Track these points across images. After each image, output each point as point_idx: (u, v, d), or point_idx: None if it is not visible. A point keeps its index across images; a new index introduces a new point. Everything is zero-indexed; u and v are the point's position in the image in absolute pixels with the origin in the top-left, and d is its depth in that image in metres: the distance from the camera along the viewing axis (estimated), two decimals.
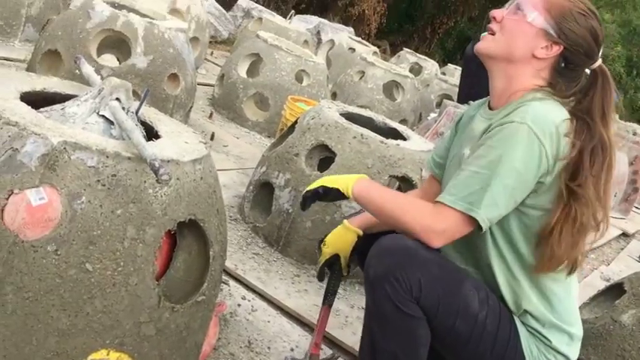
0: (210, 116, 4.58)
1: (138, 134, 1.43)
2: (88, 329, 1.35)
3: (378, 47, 10.42)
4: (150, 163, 1.32)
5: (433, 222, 1.46)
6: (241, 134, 4.52)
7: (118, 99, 1.58)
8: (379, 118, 3.11)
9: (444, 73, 8.30)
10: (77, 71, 1.89)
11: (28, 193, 1.27)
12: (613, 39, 20.28)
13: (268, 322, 2.17)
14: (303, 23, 8.96)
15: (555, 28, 1.50)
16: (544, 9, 1.51)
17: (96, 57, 3.25)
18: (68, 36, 3.20)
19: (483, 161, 1.43)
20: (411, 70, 7.85)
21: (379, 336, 1.52)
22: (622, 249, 4.94)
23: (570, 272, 1.54)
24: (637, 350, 2.01)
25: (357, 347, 1.66)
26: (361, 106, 5.32)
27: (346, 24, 11.36)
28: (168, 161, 1.43)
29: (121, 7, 3.51)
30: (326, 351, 2.13)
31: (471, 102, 1.84)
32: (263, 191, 2.88)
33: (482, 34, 1.62)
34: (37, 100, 1.60)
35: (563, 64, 1.54)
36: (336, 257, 1.83)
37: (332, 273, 1.88)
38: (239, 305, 2.19)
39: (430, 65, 8.41)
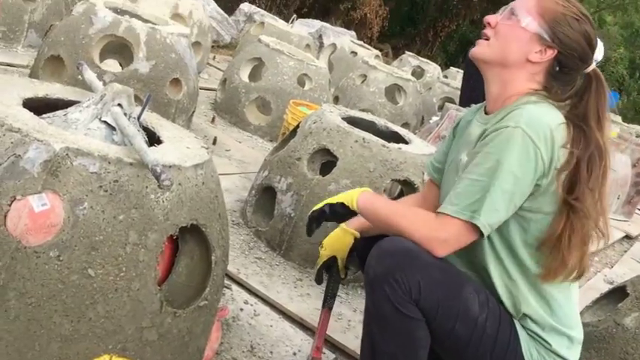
0: (213, 120, 4.59)
1: (140, 140, 1.44)
2: (90, 334, 1.35)
3: (380, 51, 10.44)
4: (151, 168, 1.33)
5: (437, 232, 1.46)
6: (243, 138, 4.53)
7: (120, 105, 1.59)
8: (381, 121, 3.11)
9: (446, 77, 8.31)
10: (80, 77, 1.90)
11: (30, 199, 1.28)
12: (615, 41, 20.27)
13: (271, 326, 2.18)
14: (305, 27, 8.98)
15: (549, 32, 1.51)
16: (537, 14, 1.53)
17: (98, 62, 3.27)
18: (71, 42, 3.22)
19: (481, 169, 1.45)
20: (413, 74, 7.86)
21: (379, 337, 1.53)
22: (625, 251, 4.94)
23: (576, 279, 1.55)
24: None
25: (359, 351, 1.66)
26: (363, 110, 5.33)
27: (348, 28, 11.38)
28: (170, 166, 1.44)
29: (123, 12, 3.53)
30: (328, 355, 2.13)
31: (473, 105, 1.85)
32: (265, 195, 2.88)
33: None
34: (39, 106, 1.61)
35: (557, 68, 1.55)
36: (333, 260, 1.84)
37: (330, 276, 1.89)
38: (241, 310, 2.20)
39: (432, 68, 8.41)
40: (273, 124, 4.68)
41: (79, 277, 1.32)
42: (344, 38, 8.54)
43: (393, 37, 14.74)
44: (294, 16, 8.55)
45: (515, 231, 1.51)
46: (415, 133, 5.06)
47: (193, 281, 1.59)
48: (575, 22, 1.52)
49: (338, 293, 2.50)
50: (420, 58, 8.88)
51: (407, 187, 2.70)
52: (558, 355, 1.54)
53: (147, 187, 1.39)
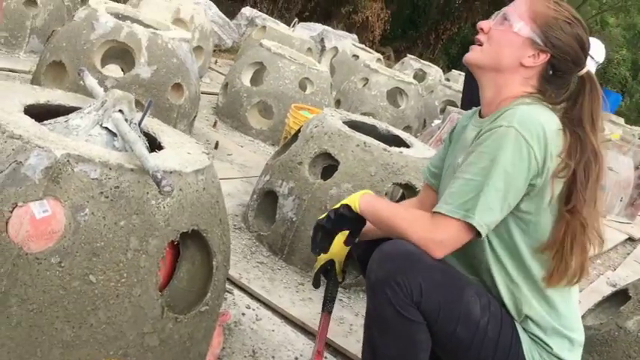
0: (215, 125, 4.60)
1: (140, 146, 1.44)
2: (92, 340, 1.35)
3: (382, 54, 10.46)
4: (152, 174, 1.33)
5: (433, 233, 1.47)
6: (245, 143, 4.53)
7: (121, 111, 1.60)
8: (382, 125, 3.11)
9: (448, 79, 8.31)
10: (81, 82, 1.91)
11: (31, 205, 1.29)
12: (618, 42, 20.26)
13: (273, 331, 2.18)
14: (306, 31, 8.99)
15: (542, 36, 1.53)
16: (530, 18, 1.54)
17: (100, 68, 3.27)
18: (72, 47, 3.23)
19: (475, 168, 1.46)
20: (415, 77, 7.86)
21: (379, 340, 1.53)
22: (628, 254, 4.92)
23: (577, 282, 1.56)
24: None
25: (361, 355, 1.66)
26: (365, 113, 5.34)
27: (350, 31, 11.40)
28: (171, 172, 1.44)
29: (124, 17, 3.54)
30: (330, 359, 2.13)
31: (475, 108, 1.86)
32: (267, 200, 2.88)
33: None
34: (41, 112, 1.62)
35: (551, 72, 1.56)
36: (331, 263, 1.84)
37: (329, 280, 1.89)
38: (243, 314, 2.20)
39: (434, 71, 8.42)
40: (275, 128, 4.68)
41: (80, 283, 1.32)
42: (346, 42, 8.55)
43: (395, 40, 14.76)
44: (296, 19, 8.56)
45: (515, 234, 1.52)
46: (417, 137, 5.07)
47: (194, 286, 1.59)
48: (567, 25, 1.54)
49: (340, 297, 2.51)
50: (421, 61, 8.90)
51: (408, 191, 2.70)
52: (560, 359, 1.54)
53: (148, 192, 1.40)
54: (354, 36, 10.29)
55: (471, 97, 4.84)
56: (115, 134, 1.57)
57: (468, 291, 1.51)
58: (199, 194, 1.53)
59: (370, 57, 7.69)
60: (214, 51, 6.87)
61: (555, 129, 1.48)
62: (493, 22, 1.60)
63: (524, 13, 1.54)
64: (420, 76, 8.23)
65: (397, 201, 2.86)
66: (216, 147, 4.03)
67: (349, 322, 2.40)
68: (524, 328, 1.55)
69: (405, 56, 9.24)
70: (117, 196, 1.36)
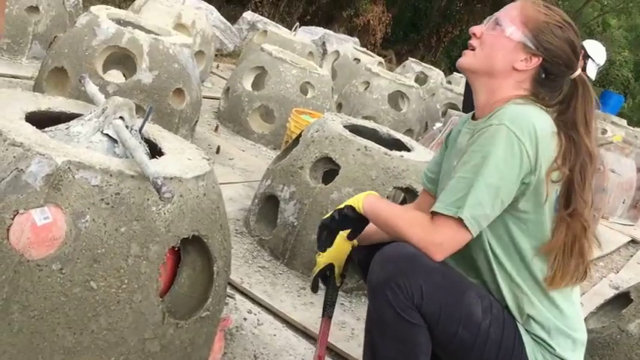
0: (216, 129, 4.61)
1: (141, 152, 1.45)
2: (93, 347, 1.36)
3: (384, 57, 10.47)
4: (152, 181, 1.34)
5: (432, 236, 1.48)
6: (247, 147, 4.54)
7: (121, 117, 1.61)
8: (383, 129, 3.12)
9: (449, 82, 8.32)
10: (83, 88, 1.93)
11: (33, 212, 1.29)
12: (620, 44, 20.25)
13: (274, 335, 2.18)
14: (308, 34, 9.01)
15: (533, 40, 1.55)
16: (521, 23, 1.56)
17: (102, 73, 3.29)
18: (74, 53, 3.25)
19: (467, 166, 1.47)
20: (416, 80, 7.88)
21: (379, 342, 1.53)
22: (631, 256, 4.91)
23: (578, 283, 1.57)
24: None
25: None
26: (366, 117, 5.35)
27: (351, 34, 11.42)
28: (171, 178, 1.45)
29: (126, 23, 3.55)
30: None
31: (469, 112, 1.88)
32: (268, 204, 2.89)
33: None
34: (42, 119, 1.63)
35: (543, 75, 1.58)
36: (330, 268, 1.84)
37: (328, 284, 1.89)
38: (245, 319, 2.20)
39: (436, 74, 8.43)
40: (277, 132, 4.69)
41: (81, 289, 1.33)
42: (347, 45, 8.57)
43: (397, 43, 14.77)
44: (297, 23, 8.58)
45: (516, 235, 1.53)
46: (418, 140, 5.07)
47: (195, 292, 1.59)
48: (558, 29, 1.55)
49: (341, 302, 2.52)
50: (423, 64, 8.90)
51: (409, 195, 2.70)
52: (563, 359, 1.54)
53: (148, 199, 1.41)
54: (356, 39, 10.31)
55: (472, 99, 4.84)
56: (115, 141, 1.58)
57: (470, 293, 1.52)
58: (200, 200, 1.54)
59: (371, 60, 7.71)
60: (216, 55, 6.89)
61: (550, 132, 1.49)
62: (485, 27, 1.62)
63: (516, 17, 1.56)
64: (421, 79, 8.24)
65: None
66: (217, 151, 4.04)
67: (351, 327, 2.40)
68: (526, 330, 1.55)
69: (407, 59, 9.25)
70: (117, 202, 1.36)
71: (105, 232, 1.35)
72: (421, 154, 2.87)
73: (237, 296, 2.33)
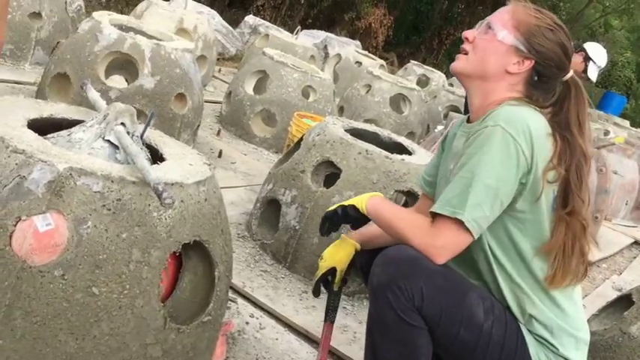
0: (218, 133, 4.62)
1: (142, 158, 1.46)
2: (95, 352, 1.37)
3: (386, 59, 10.47)
4: (153, 187, 1.35)
5: (433, 240, 1.49)
6: (249, 151, 4.55)
7: (123, 124, 1.62)
8: (384, 132, 3.13)
9: (451, 84, 8.30)
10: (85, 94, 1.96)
11: (35, 219, 1.30)
12: (622, 45, 20.22)
13: (276, 339, 2.19)
14: (310, 38, 9.03)
15: (525, 44, 1.57)
16: (513, 27, 1.58)
17: (104, 79, 3.30)
18: (77, 59, 3.26)
19: (465, 168, 1.49)
20: (418, 82, 7.87)
21: (380, 344, 1.54)
22: (634, 258, 4.90)
23: (578, 282, 1.58)
24: None
25: None
26: (368, 120, 5.35)
27: (353, 37, 11.43)
28: (172, 184, 1.46)
29: (128, 29, 3.57)
30: None
31: (464, 116, 1.89)
32: (270, 208, 2.90)
33: None
34: (44, 125, 1.64)
35: (536, 78, 1.60)
36: (332, 272, 1.83)
37: (330, 289, 1.88)
38: (247, 323, 2.21)
39: (437, 77, 8.42)
40: (279, 136, 4.70)
41: (83, 295, 1.34)
42: (349, 48, 8.58)
43: (399, 45, 14.78)
44: (299, 27, 8.60)
45: (515, 235, 1.53)
46: (420, 142, 5.07)
47: (197, 297, 1.60)
48: (549, 32, 1.57)
49: (343, 305, 2.52)
50: (424, 66, 8.90)
51: (411, 198, 2.71)
52: (566, 359, 1.55)
53: (149, 204, 1.41)
54: (358, 42, 10.33)
55: None
56: (117, 147, 1.59)
57: (471, 295, 1.52)
58: (201, 205, 1.54)
59: (373, 63, 7.71)
60: (218, 59, 6.91)
61: (544, 133, 1.51)
62: (477, 31, 1.64)
63: (508, 21, 1.58)
64: (423, 81, 8.24)
65: None
66: (219, 155, 4.05)
67: (353, 330, 2.41)
68: (529, 330, 1.56)
69: (409, 62, 9.25)
70: (119, 208, 1.37)
71: (106, 237, 1.36)
72: (422, 157, 2.87)
73: (240, 300, 2.34)
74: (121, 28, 3.49)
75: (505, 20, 1.59)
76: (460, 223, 1.45)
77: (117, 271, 1.37)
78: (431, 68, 8.87)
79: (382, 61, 8.34)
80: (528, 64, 1.58)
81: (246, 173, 3.96)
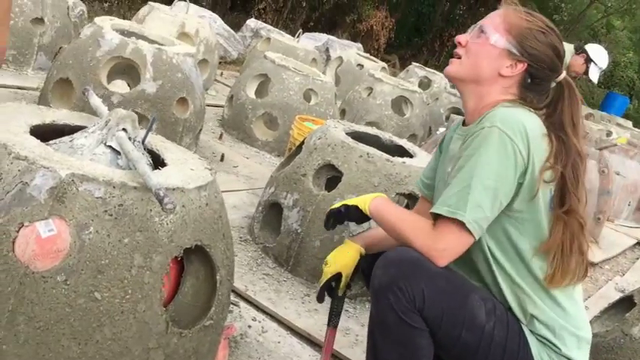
0: (220, 137, 4.64)
1: (143, 164, 1.47)
2: (97, 357, 1.38)
3: (388, 62, 10.49)
4: (155, 192, 1.36)
5: (435, 242, 1.50)
6: (251, 154, 4.56)
7: (124, 129, 1.63)
8: (385, 135, 3.13)
9: (453, 87, 8.31)
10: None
11: (37, 225, 1.31)
12: (624, 45, 20.20)
13: (279, 342, 2.19)
14: (311, 41, 9.05)
15: (517, 47, 1.59)
16: (505, 30, 1.60)
17: (106, 84, 3.32)
18: (79, 64, 3.28)
19: (464, 169, 1.50)
20: (420, 84, 7.88)
21: (381, 346, 1.55)
22: (637, 259, 4.89)
23: (579, 281, 1.59)
24: None
25: None
26: (370, 123, 5.36)
27: (355, 40, 11.45)
28: (174, 189, 1.47)
29: (130, 34, 3.58)
30: None
31: (460, 118, 1.90)
32: (272, 211, 2.91)
33: None
34: (46, 131, 1.65)
35: (529, 80, 1.62)
36: (337, 278, 1.82)
37: (334, 295, 1.88)
38: (249, 326, 2.21)
39: (439, 79, 8.42)
40: (281, 139, 4.71)
41: (85, 300, 1.35)
42: (350, 51, 8.59)
43: (400, 47, 14.80)
44: (300, 30, 8.61)
45: (513, 235, 1.55)
46: (422, 145, 5.08)
47: (199, 301, 1.61)
48: (541, 35, 1.59)
49: (346, 308, 2.52)
50: (426, 68, 8.90)
51: (412, 201, 2.71)
52: (569, 359, 1.56)
53: (151, 210, 1.42)
54: (359, 45, 10.33)
55: None
56: (118, 153, 1.60)
57: (473, 296, 1.53)
58: (202, 210, 1.55)
59: (375, 66, 7.72)
60: (220, 63, 6.92)
61: (540, 133, 1.52)
62: (470, 35, 1.66)
63: (500, 25, 1.60)
64: (425, 83, 8.24)
65: None
66: (222, 159, 4.06)
67: (355, 333, 2.41)
68: (531, 331, 1.57)
69: (411, 64, 9.26)
70: (121, 213, 1.38)
71: (108, 243, 1.37)
72: (424, 160, 2.87)
73: (242, 304, 2.35)
74: (123, 33, 3.51)
75: (497, 24, 1.61)
76: (461, 224, 1.46)
77: (119, 276, 1.38)
78: (433, 70, 8.87)
79: (384, 64, 8.35)
80: (521, 66, 1.60)
81: (248, 177, 3.97)
